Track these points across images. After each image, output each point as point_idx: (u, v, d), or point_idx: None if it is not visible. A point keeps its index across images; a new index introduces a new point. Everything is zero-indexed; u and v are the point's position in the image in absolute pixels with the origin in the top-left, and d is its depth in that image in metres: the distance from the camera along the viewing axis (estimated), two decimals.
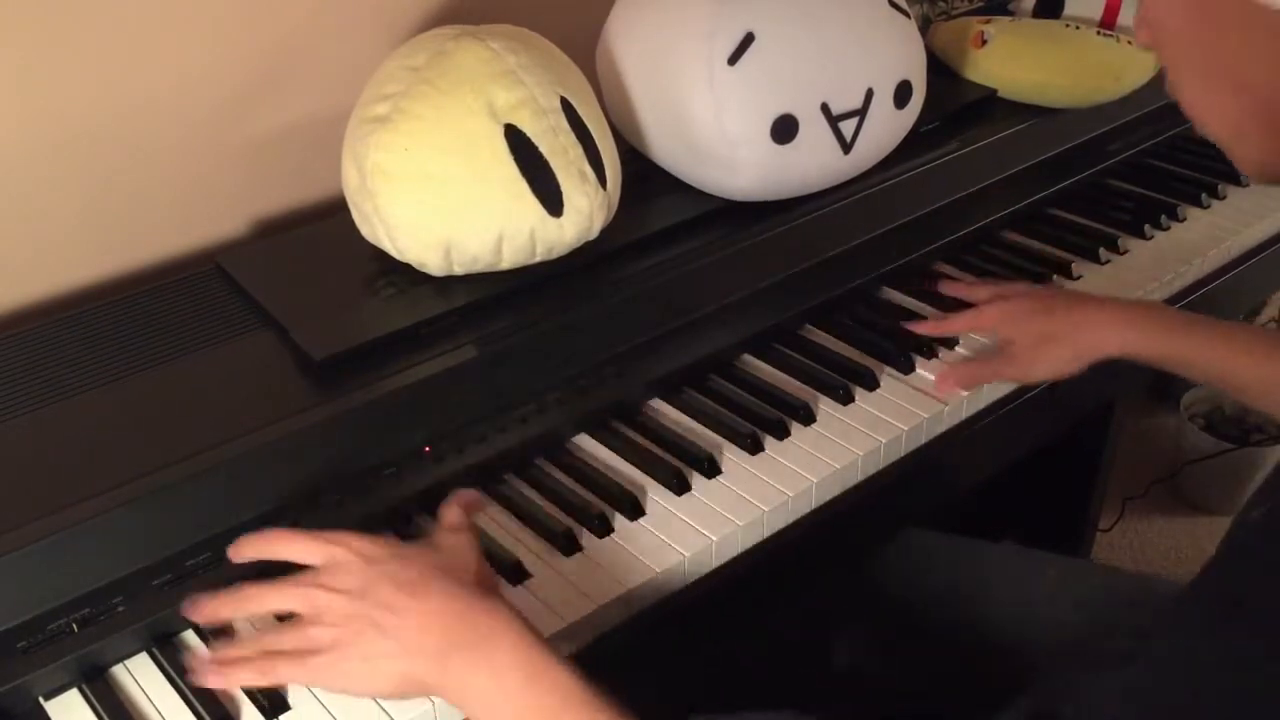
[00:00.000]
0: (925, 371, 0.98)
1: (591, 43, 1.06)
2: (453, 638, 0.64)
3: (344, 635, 0.65)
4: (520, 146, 0.86)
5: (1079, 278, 1.10)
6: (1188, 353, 0.92)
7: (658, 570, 0.79)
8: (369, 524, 0.81)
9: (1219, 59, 0.61)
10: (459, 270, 0.91)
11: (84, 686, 0.71)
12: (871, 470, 0.90)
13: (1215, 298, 1.15)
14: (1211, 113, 0.63)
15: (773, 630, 1.00)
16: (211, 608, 0.68)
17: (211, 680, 0.67)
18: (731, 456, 0.88)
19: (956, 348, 1.00)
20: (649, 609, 0.79)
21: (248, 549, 0.70)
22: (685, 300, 0.96)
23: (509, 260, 0.90)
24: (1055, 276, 1.10)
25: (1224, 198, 1.25)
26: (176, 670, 0.72)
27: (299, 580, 0.68)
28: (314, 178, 1.09)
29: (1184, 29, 0.62)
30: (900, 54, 1.03)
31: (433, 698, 0.70)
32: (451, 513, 0.74)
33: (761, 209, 1.03)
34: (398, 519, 0.83)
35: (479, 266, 0.91)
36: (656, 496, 0.85)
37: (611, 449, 0.90)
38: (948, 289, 1.06)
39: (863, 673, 1.03)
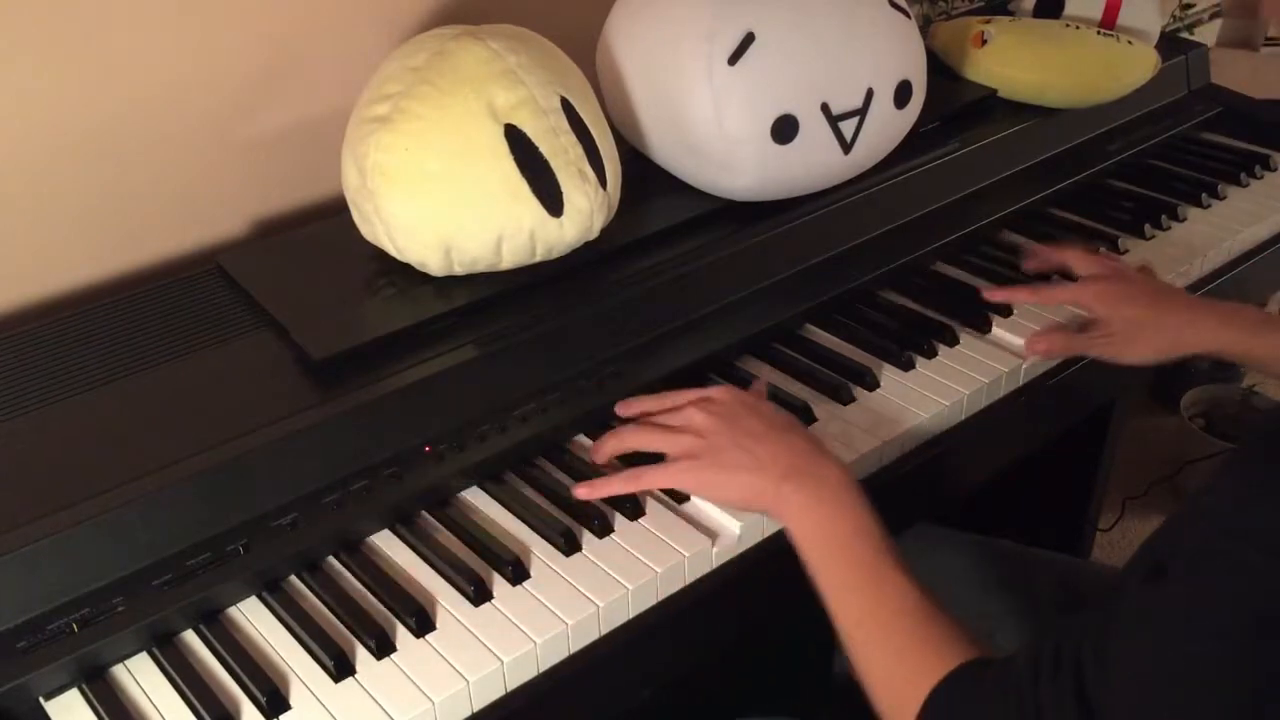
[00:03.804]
0: (925, 370, 0.98)
1: (591, 43, 1.06)
2: (795, 465, 0.79)
3: (711, 446, 0.81)
4: (520, 146, 0.86)
5: (1078, 278, 1.10)
6: (1271, 350, 0.96)
7: (658, 570, 0.78)
8: (370, 524, 0.82)
9: None
10: (459, 270, 0.91)
11: (84, 686, 0.71)
12: (873, 469, 0.90)
13: (1216, 298, 1.14)
14: None
15: (774, 632, 1.00)
16: (610, 443, 0.85)
17: (582, 493, 0.82)
18: None
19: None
20: (649, 610, 0.79)
21: (644, 404, 0.88)
22: (685, 300, 0.96)
23: (509, 260, 0.90)
24: (1055, 276, 1.09)
25: (1224, 198, 1.25)
26: (176, 670, 0.72)
27: (685, 400, 0.85)
28: (314, 178, 1.09)
29: None
30: (900, 54, 1.03)
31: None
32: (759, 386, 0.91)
33: (761, 209, 1.03)
34: (399, 519, 0.83)
35: (479, 266, 0.91)
36: (657, 498, 0.85)
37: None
38: (1034, 265, 1.08)
39: None
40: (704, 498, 0.83)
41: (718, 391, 0.86)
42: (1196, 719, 0.55)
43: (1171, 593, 0.56)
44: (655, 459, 0.84)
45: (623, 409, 0.88)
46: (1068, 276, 1.06)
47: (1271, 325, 0.97)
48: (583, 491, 0.82)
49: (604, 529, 0.81)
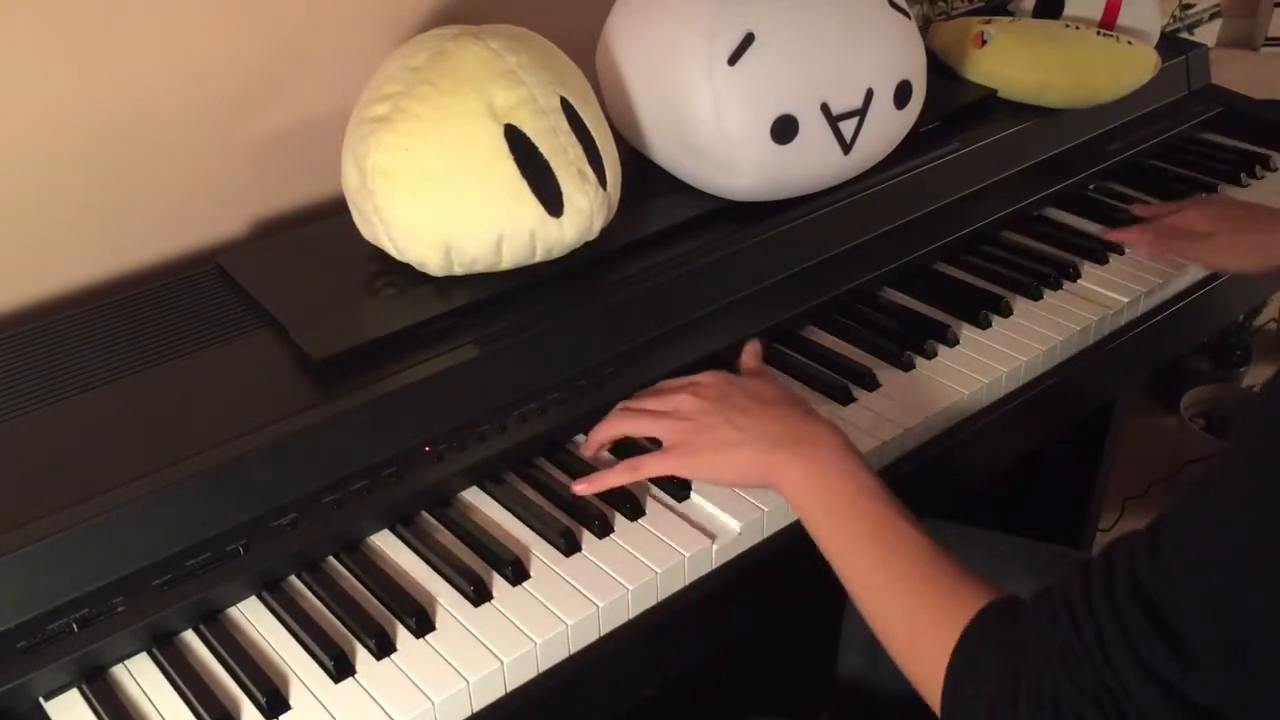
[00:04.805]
0: (925, 370, 0.98)
1: (591, 43, 1.06)
2: (785, 434, 0.79)
3: (701, 426, 0.81)
4: (520, 146, 0.86)
5: (1079, 278, 1.10)
6: None
7: (658, 570, 0.78)
8: (370, 524, 0.82)
9: None
10: (459, 270, 0.91)
11: (84, 686, 0.71)
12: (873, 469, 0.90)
13: (1216, 298, 1.15)
14: None
15: (776, 631, 1.00)
16: (602, 431, 0.86)
17: (581, 488, 0.82)
18: None
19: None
20: (649, 611, 0.79)
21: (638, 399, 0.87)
22: (685, 300, 0.96)
23: (509, 260, 0.90)
24: (1056, 275, 1.09)
25: None
26: (176, 670, 0.72)
27: (671, 389, 0.86)
28: (314, 178, 1.09)
29: None
30: (900, 54, 1.03)
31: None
32: (751, 358, 0.92)
33: (761, 209, 1.03)
34: (399, 519, 0.83)
35: (479, 267, 0.91)
36: (657, 497, 0.85)
37: (612, 449, 0.89)
38: (1143, 211, 1.18)
39: (870, 674, 1.03)
40: (702, 478, 0.83)
41: (705, 376, 0.86)
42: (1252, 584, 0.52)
43: (1221, 479, 0.55)
44: (646, 450, 0.84)
45: (622, 405, 0.88)
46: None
47: None
48: (581, 487, 0.83)
49: (604, 529, 0.81)
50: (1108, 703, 0.56)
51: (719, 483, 0.83)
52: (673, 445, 0.82)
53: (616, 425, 0.86)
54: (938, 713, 0.65)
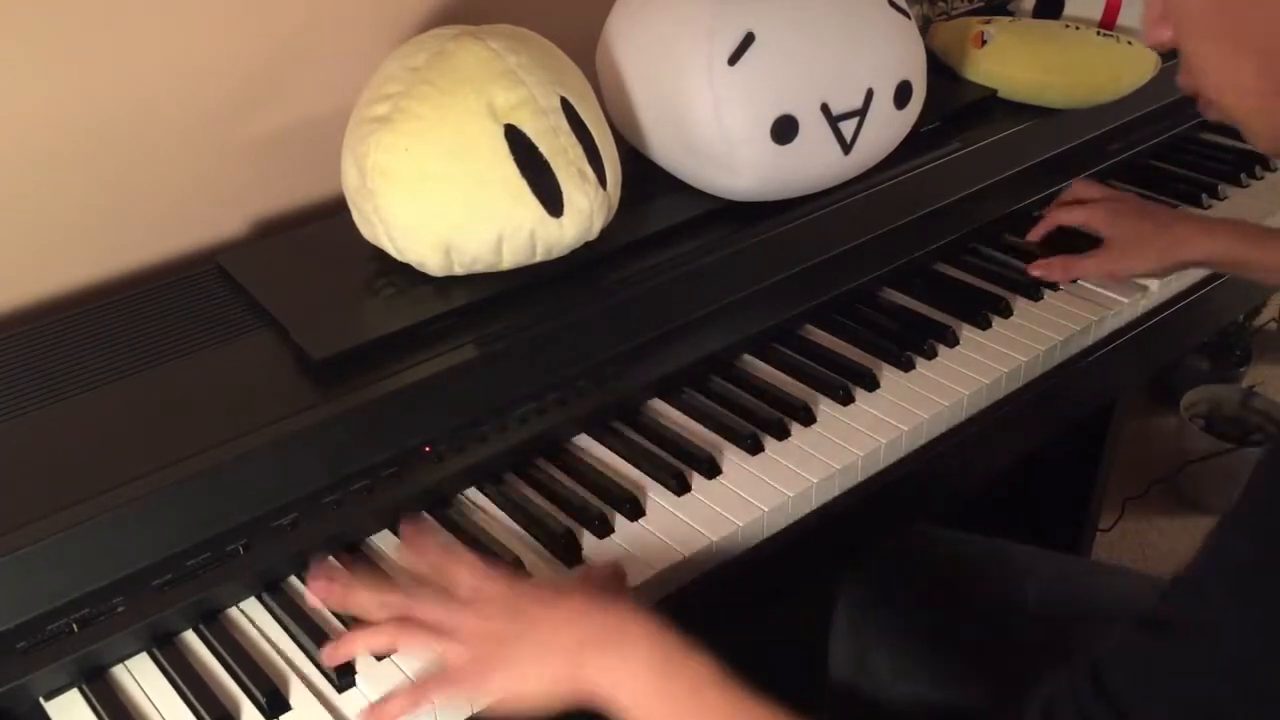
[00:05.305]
0: (925, 370, 0.98)
1: (591, 43, 1.06)
2: (584, 636, 0.66)
3: (488, 639, 0.68)
4: (520, 146, 0.86)
5: (1077, 279, 1.10)
6: (1263, 258, 1.02)
7: (657, 570, 0.78)
8: (370, 524, 0.82)
9: (1242, 30, 0.57)
10: (459, 270, 0.91)
11: (84, 686, 0.71)
12: (871, 471, 0.90)
13: (1215, 297, 1.15)
14: (1232, 89, 0.60)
15: (773, 632, 1.00)
16: (372, 640, 0.71)
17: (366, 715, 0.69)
18: (731, 457, 0.88)
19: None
20: (650, 609, 0.79)
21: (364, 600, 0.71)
22: (685, 300, 0.96)
23: (509, 260, 0.90)
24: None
25: (1224, 198, 1.25)
26: (176, 670, 0.72)
27: (435, 606, 0.69)
28: (314, 178, 1.09)
29: (1206, 9, 0.58)
30: (900, 54, 1.03)
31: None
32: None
33: (761, 209, 1.03)
34: (399, 519, 0.82)
35: (479, 267, 0.91)
36: (656, 497, 0.85)
37: (611, 449, 0.90)
38: (1057, 202, 1.16)
39: (861, 678, 1.03)
40: (500, 698, 0.69)
41: (472, 578, 0.71)
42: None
43: (1179, 615, 0.53)
44: None
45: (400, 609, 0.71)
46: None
47: (1257, 235, 1.03)
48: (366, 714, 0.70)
49: (604, 529, 0.81)
50: None
51: (527, 701, 0.68)
52: (458, 665, 0.68)
53: (390, 638, 0.71)
54: None
